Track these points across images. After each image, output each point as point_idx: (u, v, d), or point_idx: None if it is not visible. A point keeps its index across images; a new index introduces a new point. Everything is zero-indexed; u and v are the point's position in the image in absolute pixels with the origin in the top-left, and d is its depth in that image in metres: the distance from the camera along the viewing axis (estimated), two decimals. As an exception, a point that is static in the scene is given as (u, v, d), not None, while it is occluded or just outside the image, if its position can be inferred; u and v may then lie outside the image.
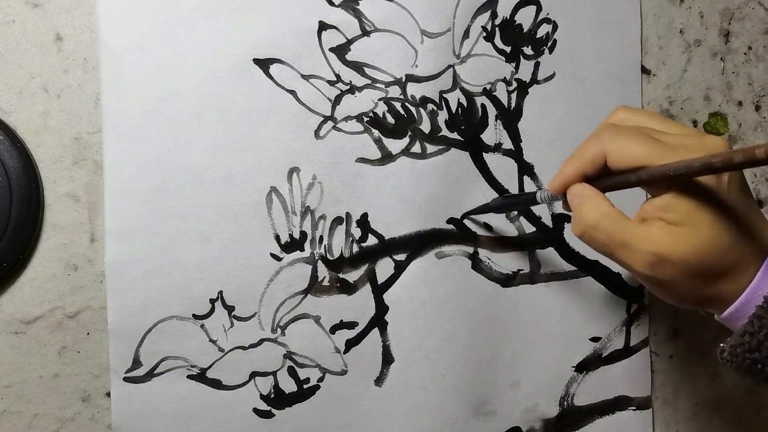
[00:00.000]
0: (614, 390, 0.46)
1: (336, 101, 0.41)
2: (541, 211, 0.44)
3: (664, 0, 0.46)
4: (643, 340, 0.46)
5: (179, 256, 0.39)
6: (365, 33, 0.41)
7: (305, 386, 0.41)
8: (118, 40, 0.38)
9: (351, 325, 0.41)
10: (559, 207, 0.44)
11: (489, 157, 0.43)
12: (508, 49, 0.43)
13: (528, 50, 0.44)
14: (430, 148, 0.42)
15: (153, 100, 0.38)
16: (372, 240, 0.41)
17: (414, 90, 0.42)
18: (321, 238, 0.41)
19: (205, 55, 0.39)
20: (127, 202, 0.38)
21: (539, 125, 0.44)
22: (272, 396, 0.40)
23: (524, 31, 0.44)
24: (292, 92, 0.40)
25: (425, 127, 0.42)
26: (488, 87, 0.43)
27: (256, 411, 0.40)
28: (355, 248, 0.41)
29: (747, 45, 0.48)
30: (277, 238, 0.40)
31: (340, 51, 0.41)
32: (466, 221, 0.43)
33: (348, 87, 0.41)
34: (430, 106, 0.42)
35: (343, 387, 0.41)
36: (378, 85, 0.41)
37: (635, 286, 0.46)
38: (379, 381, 0.42)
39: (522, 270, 0.44)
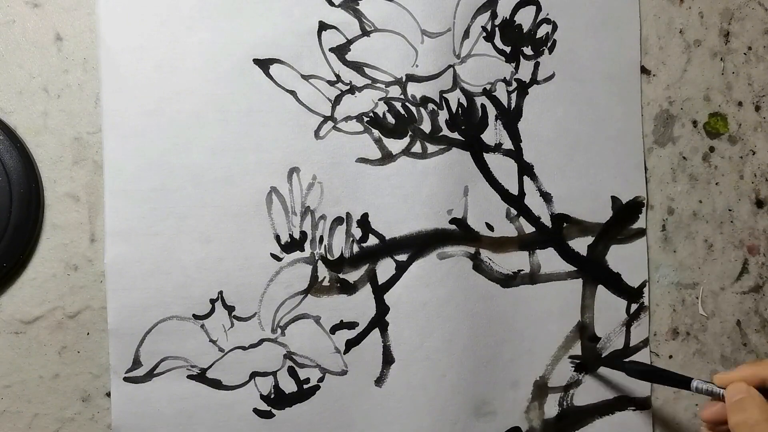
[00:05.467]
0: (614, 390, 0.46)
1: (336, 101, 0.41)
2: (540, 211, 0.44)
3: (664, 0, 0.46)
4: (643, 340, 0.46)
5: (179, 256, 0.39)
6: (365, 33, 0.41)
7: (305, 386, 0.41)
8: (118, 40, 0.38)
9: (351, 325, 0.41)
10: (557, 207, 0.44)
11: (489, 157, 0.43)
12: (508, 49, 0.43)
13: (528, 50, 0.44)
14: (431, 148, 0.42)
15: (153, 100, 0.38)
16: (372, 240, 0.41)
17: (414, 90, 0.42)
18: (321, 238, 0.41)
19: (205, 55, 0.39)
20: (127, 202, 0.38)
21: (539, 125, 0.44)
22: (272, 396, 0.40)
23: (524, 31, 0.44)
24: (292, 92, 0.40)
25: (426, 126, 0.42)
26: (488, 87, 0.43)
27: (256, 411, 0.40)
28: (356, 248, 0.41)
29: (747, 45, 0.48)
30: (277, 238, 0.40)
31: (340, 51, 0.41)
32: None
33: (348, 87, 0.41)
34: (431, 106, 0.42)
35: (343, 387, 0.41)
36: (378, 85, 0.41)
37: (635, 286, 0.46)
38: (379, 381, 0.42)
39: (522, 270, 0.44)
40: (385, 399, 0.42)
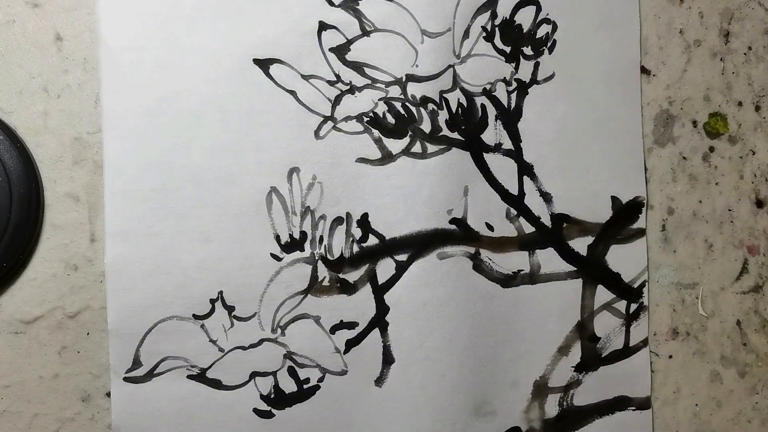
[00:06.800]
0: (614, 390, 0.46)
1: (336, 101, 0.41)
2: (540, 211, 0.44)
3: (664, 0, 0.46)
4: (643, 340, 0.46)
5: (179, 256, 0.39)
6: (365, 33, 0.41)
7: (305, 386, 0.41)
8: (118, 40, 0.38)
9: (351, 325, 0.41)
10: (557, 207, 0.44)
11: (489, 157, 0.43)
12: (508, 49, 0.43)
13: (528, 50, 0.44)
14: (431, 148, 0.42)
15: (153, 100, 0.38)
16: (372, 240, 0.41)
17: (414, 90, 0.42)
18: (321, 238, 0.41)
19: (205, 55, 0.39)
20: (127, 202, 0.38)
21: (539, 125, 0.44)
22: (272, 396, 0.40)
23: (524, 31, 0.44)
24: (292, 92, 0.40)
25: (426, 126, 0.42)
26: (488, 87, 0.43)
27: (256, 411, 0.40)
28: (356, 248, 0.41)
29: (747, 45, 0.48)
30: (277, 238, 0.40)
31: (340, 51, 0.41)
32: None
33: (348, 87, 0.41)
34: (431, 106, 0.42)
35: (343, 387, 0.41)
36: (378, 85, 0.41)
37: (635, 286, 0.46)
38: (379, 381, 0.42)
39: (522, 270, 0.44)
40: (385, 399, 0.42)
